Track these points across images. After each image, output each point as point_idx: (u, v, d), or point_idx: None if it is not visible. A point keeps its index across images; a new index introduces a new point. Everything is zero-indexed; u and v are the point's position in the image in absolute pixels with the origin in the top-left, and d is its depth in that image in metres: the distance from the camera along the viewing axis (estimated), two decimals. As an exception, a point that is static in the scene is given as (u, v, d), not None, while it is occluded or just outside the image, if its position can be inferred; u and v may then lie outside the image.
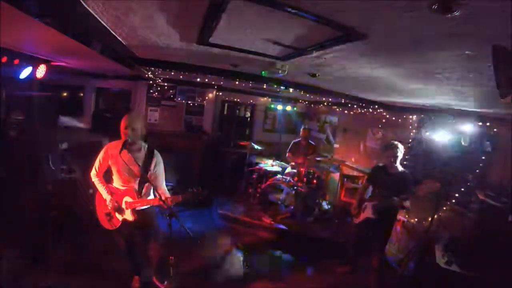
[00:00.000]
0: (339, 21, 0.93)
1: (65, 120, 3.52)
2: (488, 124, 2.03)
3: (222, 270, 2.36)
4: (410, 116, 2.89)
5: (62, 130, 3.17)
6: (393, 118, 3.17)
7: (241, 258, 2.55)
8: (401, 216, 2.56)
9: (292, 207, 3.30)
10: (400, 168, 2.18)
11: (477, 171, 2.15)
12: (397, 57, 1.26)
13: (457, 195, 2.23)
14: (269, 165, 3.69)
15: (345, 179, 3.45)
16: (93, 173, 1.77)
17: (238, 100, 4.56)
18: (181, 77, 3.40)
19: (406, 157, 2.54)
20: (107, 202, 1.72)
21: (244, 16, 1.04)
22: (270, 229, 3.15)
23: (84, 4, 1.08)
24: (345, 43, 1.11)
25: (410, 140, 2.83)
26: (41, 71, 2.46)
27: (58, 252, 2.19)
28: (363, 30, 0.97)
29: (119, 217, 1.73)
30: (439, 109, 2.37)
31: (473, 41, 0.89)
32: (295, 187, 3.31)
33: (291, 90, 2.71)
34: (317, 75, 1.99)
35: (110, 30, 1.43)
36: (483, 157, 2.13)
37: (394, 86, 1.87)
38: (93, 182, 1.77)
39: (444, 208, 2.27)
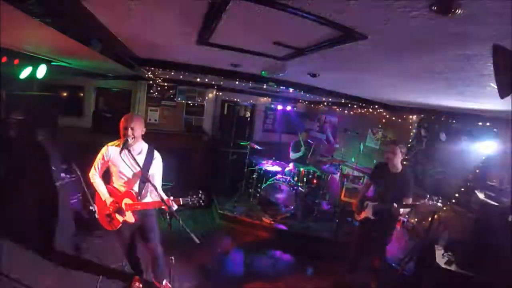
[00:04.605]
0: (339, 22, 0.92)
1: (65, 120, 3.52)
2: (488, 124, 2.03)
3: (222, 270, 2.36)
4: (410, 116, 2.88)
5: (62, 130, 3.23)
6: (393, 118, 3.16)
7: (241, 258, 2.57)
8: (401, 216, 2.51)
9: (292, 207, 3.29)
10: (401, 168, 2.15)
11: (477, 171, 2.14)
12: (397, 58, 1.24)
13: (457, 195, 2.23)
14: (269, 165, 3.69)
15: (346, 179, 3.44)
16: (92, 173, 1.74)
17: (238, 100, 4.56)
18: (181, 77, 3.38)
19: (406, 157, 2.52)
20: (107, 204, 1.69)
21: (244, 16, 1.03)
22: (270, 229, 3.14)
23: (84, 4, 1.08)
24: (345, 43, 1.10)
25: (410, 140, 2.83)
26: (41, 71, 2.46)
27: (59, 252, 2.19)
28: (363, 31, 0.97)
29: (120, 218, 1.71)
30: (439, 109, 2.36)
31: (473, 41, 0.88)
32: (295, 187, 3.31)
33: (291, 90, 2.70)
34: (317, 75, 1.99)
35: (110, 30, 1.43)
36: (483, 157, 2.12)
37: (394, 86, 1.86)
38: (91, 182, 1.74)
39: (444, 208, 2.26)
